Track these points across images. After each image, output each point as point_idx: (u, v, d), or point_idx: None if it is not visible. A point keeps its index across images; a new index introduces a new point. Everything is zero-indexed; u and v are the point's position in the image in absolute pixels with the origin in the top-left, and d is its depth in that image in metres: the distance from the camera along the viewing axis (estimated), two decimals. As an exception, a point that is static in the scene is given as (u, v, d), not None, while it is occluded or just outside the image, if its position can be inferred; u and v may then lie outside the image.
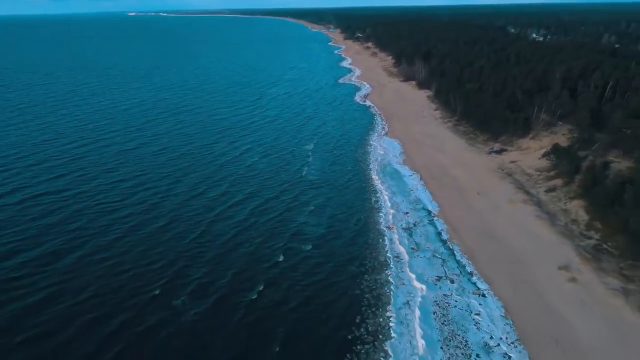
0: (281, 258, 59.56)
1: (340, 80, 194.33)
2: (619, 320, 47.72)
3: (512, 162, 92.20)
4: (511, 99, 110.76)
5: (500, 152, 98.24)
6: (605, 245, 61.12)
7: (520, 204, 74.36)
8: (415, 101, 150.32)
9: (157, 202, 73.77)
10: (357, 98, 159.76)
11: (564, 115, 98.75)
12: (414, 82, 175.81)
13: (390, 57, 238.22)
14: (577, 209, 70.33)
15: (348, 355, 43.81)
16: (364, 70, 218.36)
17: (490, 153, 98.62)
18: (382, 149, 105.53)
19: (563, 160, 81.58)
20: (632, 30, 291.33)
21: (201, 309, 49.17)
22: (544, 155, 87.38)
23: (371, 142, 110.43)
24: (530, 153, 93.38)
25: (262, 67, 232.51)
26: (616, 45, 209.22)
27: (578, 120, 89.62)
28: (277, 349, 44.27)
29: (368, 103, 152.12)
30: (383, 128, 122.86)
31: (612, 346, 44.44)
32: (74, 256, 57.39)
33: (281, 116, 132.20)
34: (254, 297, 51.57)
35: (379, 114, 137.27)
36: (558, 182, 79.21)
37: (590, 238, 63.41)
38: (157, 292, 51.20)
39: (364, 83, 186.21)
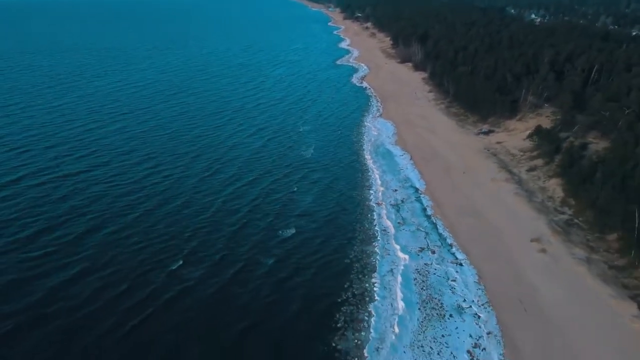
0: (280, 232, 64.78)
1: (339, 62, 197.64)
2: (579, 286, 53.21)
3: (498, 142, 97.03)
4: (501, 81, 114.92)
5: (488, 133, 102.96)
6: (576, 220, 66.42)
7: (502, 182, 79.43)
8: (411, 83, 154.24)
9: (171, 183, 77.90)
10: (354, 80, 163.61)
11: (550, 98, 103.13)
12: (410, 64, 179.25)
13: (389, 38, 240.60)
14: (555, 187, 75.44)
15: (337, 315, 49.34)
16: (362, 52, 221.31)
17: (478, 134, 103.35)
18: (376, 130, 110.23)
19: (545, 141, 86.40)
20: (631, 11, 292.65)
21: (214, 278, 54.64)
22: (528, 137, 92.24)
23: (366, 124, 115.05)
24: (516, 134, 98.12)
25: (264, 48, 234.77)
26: (611, 27, 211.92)
27: (561, 103, 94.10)
28: (274, 310, 49.75)
29: (364, 85, 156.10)
30: (378, 110, 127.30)
31: (569, 307, 49.96)
32: (98, 234, 61.58)
33: (284, 99, 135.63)
34: (259, 266, 57.00)
35: (375, 96, 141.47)
36: (539, 162, 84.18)
37: (563, 213, 68.67)
38: (176, 265, 56.03)
39: (362, 64, 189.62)
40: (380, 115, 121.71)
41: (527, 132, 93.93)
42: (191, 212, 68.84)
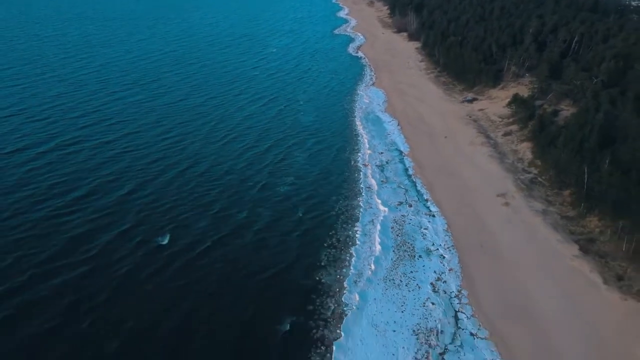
0: (278, 189, 73.11)
1: (336, 32, 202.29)
2: (533, 232, 61.66)
3: (480, 110, 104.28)
4: (487, 52, 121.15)
5: (472, 101, 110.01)
6: (539, 179, 74.49)
7: (478, 145, 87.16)
8: (404, 53, 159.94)
9: (181, 148, 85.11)
10: (350, 49, 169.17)
11: (531, 68, 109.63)
12: (405, 34, 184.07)
13: (386, 7, 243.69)
14: (525, 149, 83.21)
15: (323, 256, 57.91)
16: (360, 21, 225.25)
17: (463, 102, 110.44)
18: (368, 98, 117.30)
19: (521, 109, 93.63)
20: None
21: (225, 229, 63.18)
22: (507, 104, 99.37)
23: (359, 92, 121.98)
24: (497, 102, 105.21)
25: (263, 18, 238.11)
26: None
27: (538, 72, 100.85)
28: (271, 252, 58.40)
29: (360, 54, 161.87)
30: (371, 79, 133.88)
31: (521, 249, 58.49)
32: (115, 195, 68.51)
33: (281, 68, 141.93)
34: (258, 218, 65.47)
35: (369, 65, 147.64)
36: (514, 127, 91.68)
37: (529, 173, 76.68)
38: (185, 216, 64.27)
39: (358, 34, 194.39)
40: (373, 84, 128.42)
41: (507, 100, 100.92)
42: (202, 170, 77.00)
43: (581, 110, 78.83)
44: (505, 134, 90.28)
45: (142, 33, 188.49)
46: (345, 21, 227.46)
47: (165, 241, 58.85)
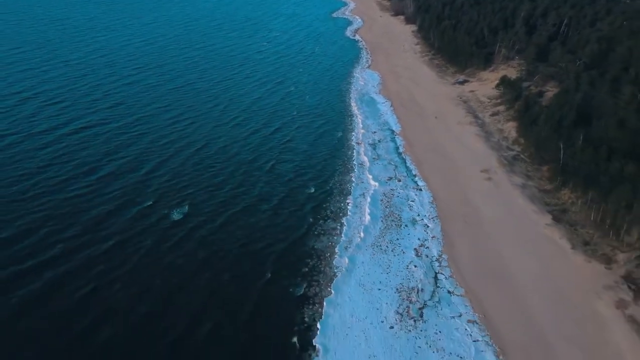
0: (273, 162, 78.05)
1: (334, 15, 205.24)
2: (511, 204, 66.63)
3: (471, 91, 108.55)
4: (479, 35, 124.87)
5: (463, 82, 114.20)
6: (522, 156, 79.24)
7: (466, 125, 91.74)
8: (401, 36, 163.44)
9: (191, 130, 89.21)
10: (348, 32, 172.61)
11: (521, 51, 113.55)
12: (402, 17, 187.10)
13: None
14: (510, 129, 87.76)
15: (317, 226, 62.99)
16: (358, 4, 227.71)
17: (454, 84, 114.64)
18: (363, 80, 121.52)
19: (508, 90, 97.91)
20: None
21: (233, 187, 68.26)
22: (495, 86, 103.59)
23: (355, 74, 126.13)
24: (487, 84, 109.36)
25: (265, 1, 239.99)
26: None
27: (526, 55, 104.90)
28: (269, 221, 63.53)
29: (357, 37, 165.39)
30: (367, 61, 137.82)
31: (499, 218, 63.52)
32: (132, 175, 72.52)
33: (282, 52, 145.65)
34: (260, 186, 70.53)
35: (366, 48, 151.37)
36: (501, 108, 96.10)
37: (512, 150, 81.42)
38: (200, 194, 68.92)
39: (356, 17, 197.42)
40: (369, 67, 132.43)
41: (496, 82, 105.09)
42: (210, 149, 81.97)
43: (562, 91, 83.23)
44: (493, 114, 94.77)
45: (147, 17, 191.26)
46: (344, 4, 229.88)
47: (182, 216, 63.47)
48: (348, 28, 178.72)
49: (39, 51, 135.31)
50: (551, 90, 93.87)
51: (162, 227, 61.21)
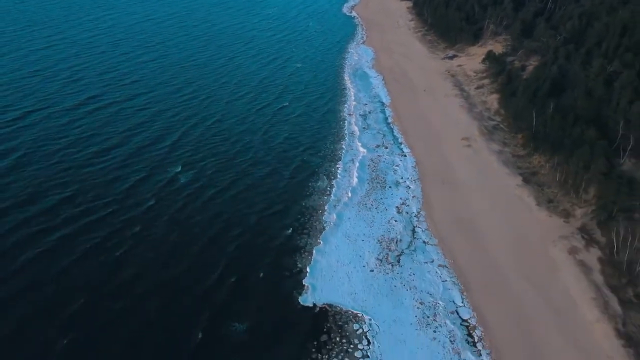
0: (272, 137, 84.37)
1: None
2: (487, 168, 73.05)
3: (459, 66, 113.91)
4: (470, 11, 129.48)
5: (452, 57, 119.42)
6: (501, 125, 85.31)
7: (452, 97, 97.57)
8: (396, 12, 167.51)
9: (195, 103, 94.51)
10: (345, 9, 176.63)
11: (508, 27, 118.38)
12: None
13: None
14: (493, 100, 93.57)
15: (309, 184, 69.67)
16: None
17: (444, 58, 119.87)
18: (358, 55, 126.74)
19: (493, 64, 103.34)
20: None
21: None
22: (482, 61, 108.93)
23: (349, 50, 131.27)
24: (475, 58, 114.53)
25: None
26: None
27: (512, 30, 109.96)
28: (267, 180, 70.17)
29: (354, 14, 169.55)
30: (362, 37, 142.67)
31: (475, 180, 70.03)
32: (140, 145, 77.99)
33: (280, 29, 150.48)
34: (259, 159, 77.01)
35: (362, 25, 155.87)
36: (486, 81, 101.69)
37: (493, 120, 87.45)
38: (204, 160, 75.31)
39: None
40: (364, 43, 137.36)
41: (483, 57, 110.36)
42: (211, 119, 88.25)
43: (540, 65, 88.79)
44: (478, 87, 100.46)
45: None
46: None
47: (187, 180, 69.90)
48: (345, 5, 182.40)
49: (42, 29, 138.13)
50: (533, 64, 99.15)
51: (168, 190, 67.39)
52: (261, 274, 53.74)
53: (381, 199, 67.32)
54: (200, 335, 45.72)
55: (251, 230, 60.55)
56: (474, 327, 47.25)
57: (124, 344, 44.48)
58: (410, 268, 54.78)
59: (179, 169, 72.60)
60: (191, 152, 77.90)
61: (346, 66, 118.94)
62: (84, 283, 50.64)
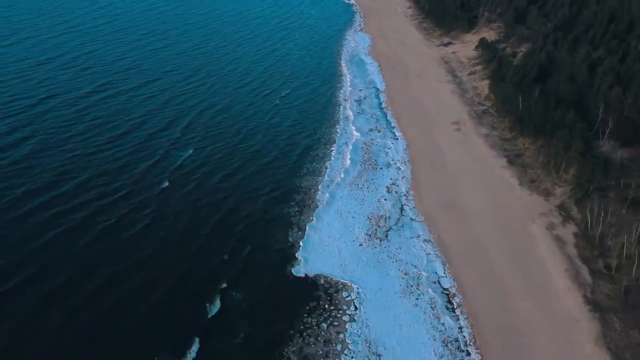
0: (273, 113, 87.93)
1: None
2: (474, 150, 76.33)
3: (453, 52, 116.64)
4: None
5: (447, 44, 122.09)
6: (490, 110, 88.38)
7: (445, 83, 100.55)
8: (394, 0, 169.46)
9: (202, 90, 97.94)
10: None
11: (503, 14, 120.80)
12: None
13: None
14: (484, 86, 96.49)
15: (304, 167, 73.08)
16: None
17: (439, 46, 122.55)
18: (355, 42, 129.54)
19: (486, 51, 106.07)
20: None
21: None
22: (475, 48, 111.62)
23: (347, 37, 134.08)
24: (469, 45, 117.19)
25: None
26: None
27: (505, 18, 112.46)
28: (270, 158, 73.72)
29: (352, 1, 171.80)
30: (360, 25, 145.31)
31: (462, 162, 73.34)
32: (150, 131, 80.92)
33: (280, 16, 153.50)
34: (257, 142, 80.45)
35: (360, 12, 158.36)
36: (479, 68, 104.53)
37: (483, 105, 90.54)
38: (213, 144, 79.18)
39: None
40: (361, 30, 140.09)
41: (476, 44, 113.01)
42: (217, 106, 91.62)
43: (529, 51, 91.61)
44: (470, 74, 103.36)
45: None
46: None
47: (192, 163, 73.62)
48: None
49: (45, 18, 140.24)
50: (524, 51, 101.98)
51: (179, 174, 70.82)
52: (258, 249, 57.33)
53: (372, 179, 70.77)
54: (206, 306, 49.13)
55: (251, 207, 64.12)
56: (454, 295, 50.94)
57: (141, 316, 47.72)
58: (397, 242, 58.37)
59: (190, 152, 76.03)
60: (200, 137, 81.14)
61: (343, 53, 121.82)
62: (102, 262, 53.82)
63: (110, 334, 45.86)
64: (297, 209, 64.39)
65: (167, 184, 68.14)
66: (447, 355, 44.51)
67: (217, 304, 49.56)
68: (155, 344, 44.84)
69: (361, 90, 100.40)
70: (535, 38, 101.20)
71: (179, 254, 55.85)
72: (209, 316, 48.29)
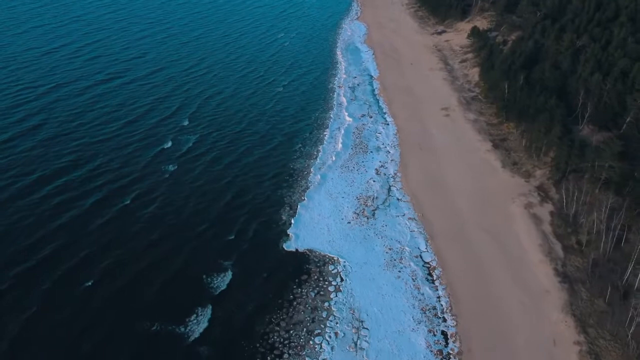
0: (267, 103, 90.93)
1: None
2: (461, 135, 79.39)
3: (446, 41, 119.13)
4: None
5: (441, 33, 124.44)
6: (479, 97, 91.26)
7: (437, 70, 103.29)
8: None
9: (207, 78, 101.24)
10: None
11: (495, 3, 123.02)
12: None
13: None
14: (474, 74, 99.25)
15: (298, 151, 76.33)
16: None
17: (433, 34, 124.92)
18: (351, 31, 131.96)
19: (477, 39, 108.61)
20: None
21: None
22: (467, 36, 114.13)
23: (343, 26, 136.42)
24: (462, 34, 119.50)
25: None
26: None
27: (497, 7, 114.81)
28: (261, 146, 76.97)
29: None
30: (356, 13, 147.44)
31: (449, 146, 76.49)
32: (159, 117, 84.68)
33: (288, 6, 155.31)
34: (255, 127, 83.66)
35: (357, 0, 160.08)
36: (470, 55, 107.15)
37: (472, 92, 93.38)
38: (222, 129, 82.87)
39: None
40: (357, 19, 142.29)
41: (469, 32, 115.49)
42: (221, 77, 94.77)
43: (517, 39, 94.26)
44: (462, 61, 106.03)
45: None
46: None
47: (203, 153, 77.10)
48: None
49: (50, 7, 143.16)
50: (515, 39, 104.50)
51: (187, 159, 74.19)
52: (253, 226, 60.74)
53: (362, 162, 74.03)
54: (204, 278, 52.91)
55: (248, 189, 67.59)
56: (434, 268, 54.44)
57: (155, 289, 51.42)
58: (383, 220, 61.77)
59: (197, 137, 79.53)
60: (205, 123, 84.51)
61: (339, 41, 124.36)
62: (116, 240, 57.47)
63: (128, 302, 49.62)
64: (290, 189, 67.78)
65: (175, 167, 71.45)
66: (425, 321, 48.08)
67: (215, 277, 53.03)
68: (166, 310, 48.61)
69: (355, 77, 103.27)
70: (526, 26, 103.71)
71: (186, 234, 59.28)
72: (210, 289, 51.71)
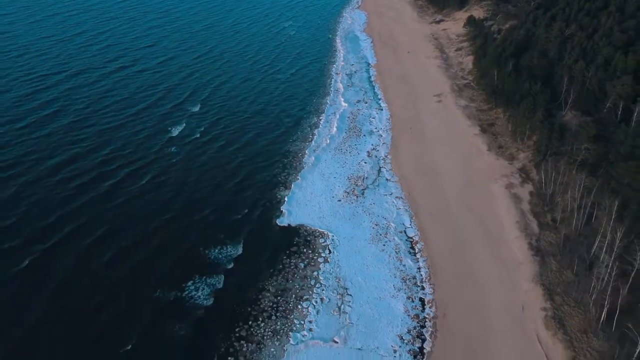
0: (266, 91, 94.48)
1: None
2: (451, 120, 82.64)
3: (444, 29, 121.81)
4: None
5: (439, 22, 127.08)
6: (471, 84, 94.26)
7: (432, 59, 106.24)
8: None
9: (215, 66, 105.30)
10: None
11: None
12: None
13: None
14: (468, 62, 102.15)
15: (294, 134, 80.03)
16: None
17: (431, 23, 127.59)
18: (351, 19, 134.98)
19: (473, 28, 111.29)
20: None
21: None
22: (464, 25, 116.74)
23: (344, 14, 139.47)
24: (459, 23, 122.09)
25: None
26: None
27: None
28: (256, 129, 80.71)
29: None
30: (357, 2, 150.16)
31: (439, 130, 79.84)
32: (171, 104, 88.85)
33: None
34: (254, 112, 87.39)
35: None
36: (465, 44, 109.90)
37: (465, 79, 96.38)
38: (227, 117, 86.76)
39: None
40: (358, 7, 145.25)
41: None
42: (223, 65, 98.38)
43: (509, 28, 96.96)
44: (457, 50, 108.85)
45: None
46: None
47: (207, 137, 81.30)
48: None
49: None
50: (509, 29, 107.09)
51: (193, 146, 77.74)
52: (249, 203, 64.63)
53: (355, 145, 77.63)
54: (202, 249, 57.04)
55: (244, 168, 71.70)
56: (417, 242, 58.18)
57: (168, 261, 55.37)
58: (372, 199, 65.49)
59: (205, 127, 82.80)
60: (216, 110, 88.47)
61: (339, 29, 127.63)
62: (131, 220, 61.32)
63: (145, 274, 53.63)
64: (285, 169, 71.57)
65: (185, 153, 75.14)
66: (405, 289, 51.92)
67: (215, 250, 56.99)
68: (172, 282, 52.38)
69: (353, 64, 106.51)
70: (520, 15, 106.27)
71: (196, 213, 62.98)
72: (208, 259, 55.69)
